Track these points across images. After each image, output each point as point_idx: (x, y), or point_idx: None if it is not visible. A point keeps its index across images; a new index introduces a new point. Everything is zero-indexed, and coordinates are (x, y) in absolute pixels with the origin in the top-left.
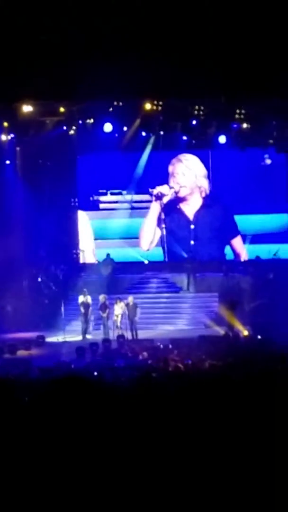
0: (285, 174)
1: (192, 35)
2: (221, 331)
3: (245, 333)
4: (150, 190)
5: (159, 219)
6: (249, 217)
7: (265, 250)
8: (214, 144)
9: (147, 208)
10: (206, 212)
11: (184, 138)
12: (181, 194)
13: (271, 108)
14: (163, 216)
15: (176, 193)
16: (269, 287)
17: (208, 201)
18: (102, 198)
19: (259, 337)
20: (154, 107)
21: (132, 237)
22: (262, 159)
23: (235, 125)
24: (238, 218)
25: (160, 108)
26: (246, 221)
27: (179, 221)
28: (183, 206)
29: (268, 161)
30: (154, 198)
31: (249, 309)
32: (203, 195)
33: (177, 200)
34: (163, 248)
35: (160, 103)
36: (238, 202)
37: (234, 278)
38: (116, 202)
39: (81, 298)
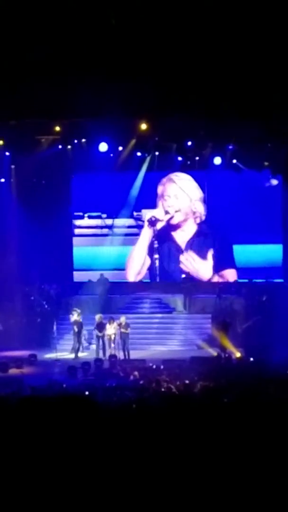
0: (280, 197)
1: (189, 56)
2: (213, 352)
3: (238, 355)
4: (136, 213)
5: (150, 247)
6: (243, 248)
7: (259, 257)
8: (209, 165)
9: (134, 234)
10: (200, 242)
11: (179, 159)
12: (174, 221)
13: (266, 130)
14: (156, 245)
15: (170, 218)
16: (262, 309)
17: (204, 228)
18: (78, 222)
19: (251, 359)
20: (150, 128)
21: (116, 268)
22: (266, 180)
23: (230, 147)
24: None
25: (155, 128)
26: (240, 252)
27: (169, 250)
28: (175, 234)
29: (275, 182)
30: (147, 223)
31: (242, 331)
32: (198, 221)
33: (169, 226)
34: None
35: (156, 123)
36: (234, 230)
37: (227, 299)
38: (95, 227)
39: (73, 317)
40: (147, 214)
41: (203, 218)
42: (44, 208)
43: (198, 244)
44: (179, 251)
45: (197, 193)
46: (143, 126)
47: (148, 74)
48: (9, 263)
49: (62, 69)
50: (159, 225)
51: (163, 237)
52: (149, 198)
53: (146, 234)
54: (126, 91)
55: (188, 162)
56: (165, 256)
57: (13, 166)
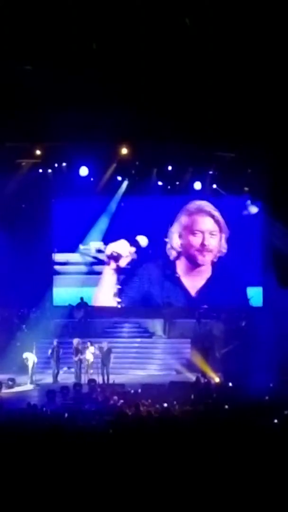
0: (259, 227)
1: (170, 82)
2: (192, 377)
3: (217, 380)
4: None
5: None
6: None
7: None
8: (189, 190)
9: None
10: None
11: (160, 183)
12: (202, 261)
13: (246, 156)
14: (118, 286)
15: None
16: (242, 334)
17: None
18: (58, 257)
19: (230, 384)
20: (130, 152)
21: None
22: (244, 207)
23: (210, 172)
24: None
25: (136, 153)
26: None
27: (150, 276)
28: (187, 280)
29: (254, 209)
30: (106, 258)
31: (221, 356)
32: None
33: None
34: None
35: (136, 148)
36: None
37: (206, 324)
38: (67, 263)
39: (54, 342)
40: (108, 248)
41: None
42: (24, 231)
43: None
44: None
45: (226, 230)
46: (124, 151)
47: (130, 99)
48: None
49: (43, 93)
50: (123, 262)
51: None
52: (126, 225)
53: (109, 271)
54: (107, 115)
55: (168, 187)
56: (145, 281)
57: None
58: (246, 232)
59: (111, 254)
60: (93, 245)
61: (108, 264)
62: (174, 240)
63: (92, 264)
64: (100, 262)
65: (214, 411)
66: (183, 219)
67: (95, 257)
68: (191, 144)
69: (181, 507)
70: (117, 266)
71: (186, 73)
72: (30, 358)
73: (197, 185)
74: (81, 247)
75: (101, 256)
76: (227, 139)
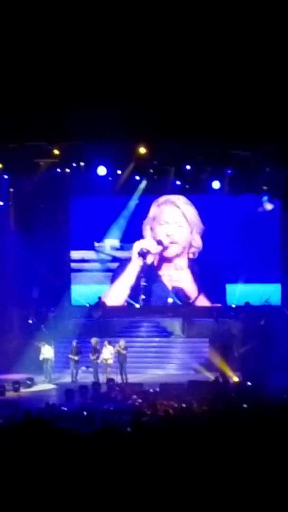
0: (278, 225)
1: (189, 80)
2: (211, 376)
3: (235, 379)
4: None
5: (136, 285)
6: (238, 287)
7: (256, 296)
8: (208, 189)
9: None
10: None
11: (178, 183)
12: (168, 253)
13: (265, 154)
14: (143, 283)
15: (163, 250)
16: (260, 333)
17: (196, 265)
18: (73, 254)
19: (249, 383)
20: (148, 151)
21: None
22: (260, 205)
23: (228, 171)
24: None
25: (154, 152)
26: (235, 292)
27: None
28: (164, 268)
29: (269, 206)
30: (137, 255)
31: (240, 355)
32: (191, 257)
33: (160, 259)
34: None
35: (154, 147)
36: (228, 267)
37: (225, 323)
38: (85, 261)
39: (72, 341)
40: (136, 245)
41: (197, 255)
42: (42, 231)
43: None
44: (166, 292)
45: (199, 225)
46: (142, 150)
47: (147, 98)
48: (7, 286)
49: (61, 92)
50: (149, 259)
51: (152, 274)
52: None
53: (134, 267)
54: (125, 115)
55: (187, 186)
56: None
57: (11, 189)
58: (264, 229)
59: (141, 251)
60: (109, 242)
61: (133, 261)
62: (147, 232)
63: (110, 261)
64: (118, 260)
65: (232, 410)
66: (151, 211)
67: (112, 255)
68: (209, 143)
69: (201, 507)
70: (144, 263)
71: (203, 72)
72: (48, 357)
73: (216, 184)
74: (96, 244)
75: (118, 254)
76: (245, 138)
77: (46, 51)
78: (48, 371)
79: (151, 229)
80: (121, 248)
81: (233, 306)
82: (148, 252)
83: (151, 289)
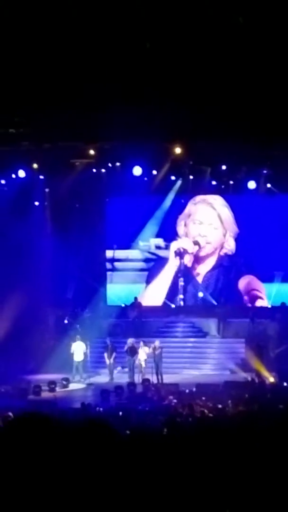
0: None
1: (225, 81)
2: (247, 377)
3: (272, 379)
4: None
5: (174, 283)
6: (274, 287)
7: None
8: (243, 189)
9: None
10: (218, 274)
11: (214, 183)
12: (202, 253)
13: None
14: (181, 282)
15: (199, 250)
16: None
17: (225, 261)
18: (109, 254)
19: (285, 384)
20: (184, 151)
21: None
22: None
23: (264, 171)
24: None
25: (190, 152)
26: (271, 292)
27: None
28: (196, 271)
29: None
30: (174, 254)
31: (276, 355)
32: (222, 254)
33: (194, 259)
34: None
35: (190, 147)
36: (264, 267)
37: (260, 324)
38: (126, 259)
39: (107, 341)
40: (173, 244)
41: (230, 253)
42: (78, 231)
43: (216, 278)
44: (196, 286)
45: (234, 228)
46: (178, 150)
47: (183, 98)
48: (43, 286)
49: (97, 93)
50: (187, 259)
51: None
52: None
53: (172, 266)
54: (160, 115)
55: (222, 186)
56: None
57: (47, 190)
58: None
59: (178, 250)
60: (153, 242)
61: (170, 261)
62: (181, 228)
63: (149, 260)
64: (154, 260)
65: (268, 411)
66: (187, 208)
67: (154, 254)
68: (245, 143)
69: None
70: (181, 263)
71: (239, 72)
72: (83, 357)
73: (251, 185)
74: (140, 243)
75: (160, 253)
76: (281, 138)
77: (83, 51)
78: (79, 370)
79: (185, 224)
80: (166, 248)
81: (269, 306)
82: (185, 251)
83: (186, 289)
